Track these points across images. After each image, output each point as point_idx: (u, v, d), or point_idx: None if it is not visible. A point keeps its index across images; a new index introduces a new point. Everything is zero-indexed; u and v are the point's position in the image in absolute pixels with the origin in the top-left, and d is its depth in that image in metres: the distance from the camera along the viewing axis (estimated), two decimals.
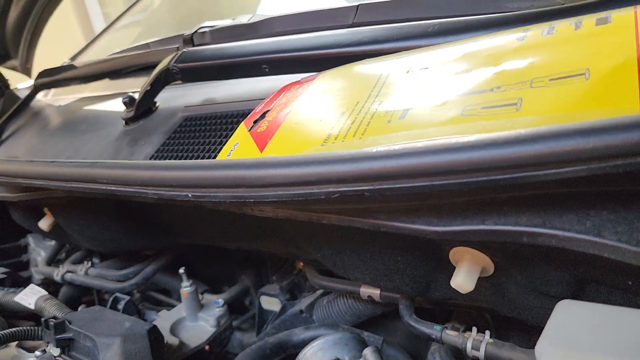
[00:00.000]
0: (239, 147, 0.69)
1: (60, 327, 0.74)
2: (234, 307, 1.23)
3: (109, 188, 0.72)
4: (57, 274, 1.24)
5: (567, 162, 0.41)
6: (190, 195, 0.62)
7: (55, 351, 0.73)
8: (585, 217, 0.46)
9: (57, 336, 0.73)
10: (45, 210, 1.17)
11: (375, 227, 0.56)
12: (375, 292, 0.85)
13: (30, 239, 1.49)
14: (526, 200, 0.49)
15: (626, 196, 0.45)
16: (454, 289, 0.65)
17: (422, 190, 0.48)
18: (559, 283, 0.53)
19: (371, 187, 0.49)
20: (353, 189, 0.50)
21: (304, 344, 0.86)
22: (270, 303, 1.12)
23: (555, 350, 0.41)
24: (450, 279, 0.59)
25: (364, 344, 0.85)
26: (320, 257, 0.74)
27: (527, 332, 0.78)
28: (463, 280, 0.58)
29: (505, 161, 0.43)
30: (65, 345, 0.74)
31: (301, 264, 1.03)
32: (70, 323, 0.75)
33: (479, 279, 0.60)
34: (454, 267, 0.61)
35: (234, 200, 0.59)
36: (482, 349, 0.66)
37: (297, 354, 0.85)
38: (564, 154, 0.41)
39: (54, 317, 0.76)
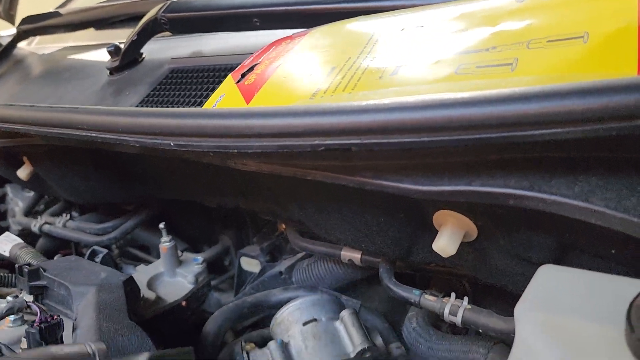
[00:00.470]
0: (225, 98, 0.67)
1: (34, 274, 0.72)
2: (214, 268, 1.22)
3: (89, 135, 0.70)
4: (34, 224, 1.22)
5: (560, 123, 0.40)
6: (172, 144, 0.60)
7: (29, 298, 0.72)
8: (574, 182, 0.45)
9: (31, 283, 0.72)
10: (24, 159, 1.14)
11: (361, 185, 0.55)
12: (355, 256, 0.84)
13: (9, 189, 1.46)
14: (515, 163, 0.48)
15: (616, 163, 0.45)
16: (435, 253, 0.64)
17: (410, 147, 0.47)
18: (542, 249, 0.53)
19: (359, 142, 0.48)
20: (340, 143, 0.49)
21: (282, 304, 0.86)
22: (250, 264, 1.12)
23: (534, 313, 0.41)
24: (432, 243, 0.59)
25: (341, 307, 0.84)
26: (302, 216, 0.73)
27: (505, 302, 0.78)
28: (445, 244, 0.57)
29: (498, 119, 0.42)
30: (39, 293, 0.73)
31: (283, 225, 1.02)
32: (44, 271, 0.73)
33: (462, 243, 0.60)
34: (437, 231, 0.60)
35: (218, 151, 0.57)
36: (460, 314, 0.66)
37: (274, 314, 0.85)
38: (558, 114, 0.40)
39: (28, 264, 0.74)
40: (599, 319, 0.38)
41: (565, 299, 0.41)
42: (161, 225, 0.95)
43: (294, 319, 0.80)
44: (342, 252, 0.86)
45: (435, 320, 0.89)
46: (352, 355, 0.73)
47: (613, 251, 0.49)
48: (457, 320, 0.67)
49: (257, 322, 1.02)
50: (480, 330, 0.66)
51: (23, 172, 1.13)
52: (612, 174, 0.44)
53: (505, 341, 0.76)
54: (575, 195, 0.44)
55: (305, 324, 0.78)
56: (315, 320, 0.78)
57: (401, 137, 0.46)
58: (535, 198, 0.45)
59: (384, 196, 0.60)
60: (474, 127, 0.43)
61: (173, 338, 0.87)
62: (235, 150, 0.55)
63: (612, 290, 0.41)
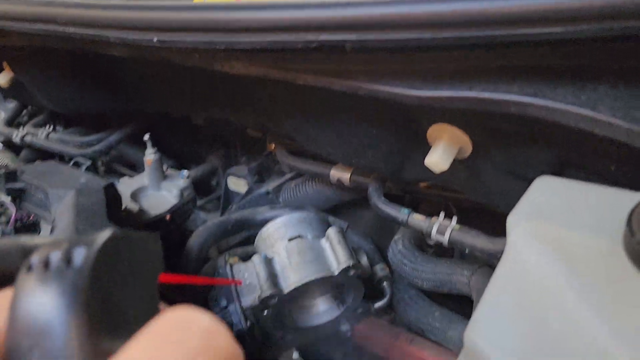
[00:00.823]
0: None
1: (12, 176, 0.70)
2: (200, 188, 1.20)
3: (67, 30, 0.65)
4: (16, 135, 1.19)
5: (576, 20, 0.37)
6: (155, 40, 0.56)
7: (6, 199, 0.70)
8: (581, 90, 0.42)
9: (8, 185, 0.70)
10: (4, 64, 1.08)
11: (354, 89, 0.52)
12: (344, 176, 0.83)
13: None
14: (519, 70, 0.45)
15: (626, 72, 0.42)
16: (427, 169, 0.62)
17: (409, 45, 0.43)
18: (539, 165, 0.51)
19: (354, 38, 0.45)
20: (334, 39, 0.45)
21: (267, 222, 0.85)
22: (237, 184, 1.10)
23: (528, 221, 0.39)
24: (424, 159, 0.57)
25: (328, 226, 0.83)
26: (293, 129, 0.71)
27: (492, 229, 0.77)
28: (438, 159, 0.55)
29: (505, 15, 0.39)
30: (17, 196, 0.71)
31: (272, 145, 1.00)
32: (22, 173, 0.71)
33: (455, 160, 0.57)
34: (430, 147, 0.58)
35: (204, 48, 0.54)
36: (447, 233, 0.65)
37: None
38: (574, 9, 0.37)
39: (5, 166, 0.71)
40: (595, 229, 0.36)
41: (561, 209, 0.39)
42: (146, 137, 0.92)
43: (279, 235, 0.79)
44: (332, 172, 0.84)
45: (420, 244, 0.89)
46: (336, 273, 0.73)
47: (612, 168, 0.47)
48: (444, 239, 0.66)
49: (241, 242, 1.02)
50: (467, 251, 0.66)
51: (3, 78, 1.08)
52: (622, 83, 0.42)
53: (490, 264, 0.76)
54: (581, 103, 0.42)
55: (290, 239, 0.77)
56: (300, 237, 0.77)
57: (399, 33, 0.43)
58: (539, 105, 0.43)
59: (378, 106, 0.57)
60: (477, 22, 0.40)
61: None
62: (223, 47, 0.51)
63: (610, 201, 0.39)
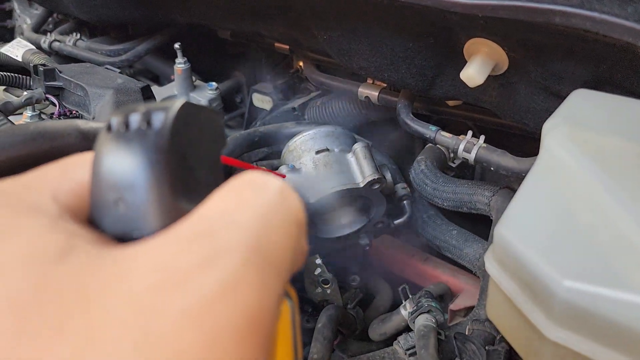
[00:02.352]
0: None
1: (50, 74, 0.71)
2: (225, 104, 1.21)
3: None
4: (44, 41, 1.19)
5: None
6: None
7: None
8: (628, 2, 0.42)
9: (47, 83, 0.71)
10: None
11: None
12: (373, 93, 0.83)
13: (16, 5, 1.40)
14: None
15: None
16: (458, 86, 0.63)
17: None
18: (574, 81, 0.52)
19: None
20: None
21: (294, 136, 0.86)
22: (262, 101, 1.11)
23: (564, 127, 0.40)
24: (458, 74, 0.57)
25: (354, 142, 0.85)
26: (325, 42, 0.71)
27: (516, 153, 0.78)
28: (474, 72, 0.56)
29: None
30: (55, 94, 0.73)
31: (299, 63, 1.00)
32: (60, 72, 0.72)
33: (489, 77, 0.58)
34: (465, 63, 0.58)
35: None
36: (474, 151, 0.67)
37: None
38: None
39: (43, 65, 0.73)
40: (630, 135, 0.38)
41: (596, 117, 0.41)
42: (176, 45, 0.92)
43: (307, 147, 0.81)
44: (360, 89, 0.85)
45: (442, 167, 0.90)
46: (361, 185, 0.75)
47: None
48: (471, 157, 0.67)
49: (264, 158, 1.04)
50: (492, 168, 0.67)
51: None
52: None
53: (511, 187, 0.78)
54: (627, 15, 0.42)
55: (317, 152, 0.78)
56: (327, 150, 0.79)
57: None
58: (584, 16, 0.43)
59: (416, 18, 0.57)
60: None
61: None
62: None
63: None
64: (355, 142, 0.84)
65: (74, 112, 0.60)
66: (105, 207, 0.24)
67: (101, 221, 0.24)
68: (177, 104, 0.25)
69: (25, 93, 0.69)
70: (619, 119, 0.40)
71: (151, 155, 0.23)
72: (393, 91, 0.83)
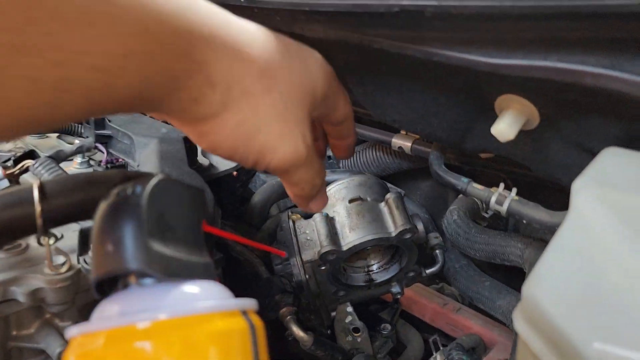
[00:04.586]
0: None
1: (100, 122, 0.76)
2: None
3: None
4: None
5: None
6: (242, 0, 0.60)
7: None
8: None
9: (97, 131, 0.76)
10: None
11: (428, 55, 0.54)
12: (406, 144, 0.85)
13: None
14: (597, 42, 0.46)
15: None
16: (490, 140, 0.64)
17: (487, 13, 0.45)
18: (607, 139, 0.52)
19: (435, 3, 0.47)
20: (415, 4, 0.48)
21: (329, 185, 0.88)
22: None
23: (594, 186, 0.41)
24: (489, 129, 0.58)
25: (387, 191, 0.86)
26: (361, 95, 0.73)
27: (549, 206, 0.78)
28: (505, 127, 0.57)
29: None
30: (104, 142, 0.77)
31: None
32: (109, 121, 0.77)
33: (521, 131, 0.59)
34: (496, 118, 0.59)
35: (288, 9, 0.57)
36: (506, 203, 0.67)
37: None
38: None
39: None
40: None
41: (628, 177, 0.41)
42: None
43: (340, 196, 0.83)
44: (393, 140, 0.87)
45: (475, 217, 0.91)
46: (393, 235, 0.76)
47: None
48: (503, 209, 0.68)
49: None
50: (524, 221, 0.67)
51: None
52: None
53: (544, 240, 0.77)
54: None
55: (350, 201, 0.80)
56: (360, 199, 0.81)
57: (480, 0, 0.45)
58: (615, 77, 0.44)
59: (448, 74, 0.59)
60: None
61: (223, 207, 0.92)
62: (307, 8, 0.54)
63: None
64: (388, 191, 0.86)
65: (120, 159, 0.63)
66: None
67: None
68: (155, 178, 0.37)
69: (76, 141, 0.74)
70: None
71: (131, 209, 0.35)
72: (426, 142, 0.85)
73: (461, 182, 0.72)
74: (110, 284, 0.37)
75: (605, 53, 0.45)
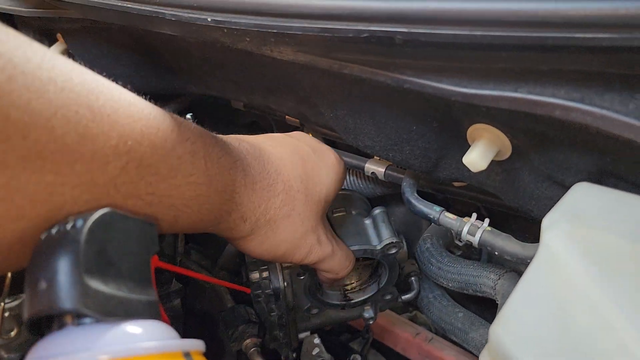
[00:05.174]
0: None
1: None
2: None
3: (124, 4, 0.68)
4: None
5: (632, 26, 0.37)
6: (209, 20, 0.58)
7: None
8: (629, 99, 0.42)
9: None
10: (58, 36, 1.12)
11: (399, 82, 0.52)
12: (379, 170, 0.83)
13: None
14: (568, 75, 0.45)
15: None
16: (462, 169, 0.63)
17: (457, 42, 0.44)
18: (578, 172, 0.51)
19: (405, 30, 0.45)
20: (385, 30, 0.46)
21: None
22: None
23: (564, 224, 0.39)
24: (462, 158, 0.57)
25: (370, 207, 0.84)
26: (332, 119, 0.72)
27: (521, 237, 0.77)
28: (477, 158, 0.55)
29: (559, 17, 0.39)
30: None
31: (310, 134, 1.01)
32: None
33: (492, 162, 0.58)
34: (468, 147, 0.58)
35: (256, 31, 0.55)
36: (478, 234, 0.66)
37: None
38: (630, 16, 0.37)
39: None
40: (633, 236, 0.37)
41: (598, 214, 0.40)
42: (188, 116, 0.94)
43: None
44: (367, 165, 0.85)
45: (448, 246, 0.89)
46: (378, 248, 0.72)
47: None
48: (475, 240, 0.66)
49: None
50: (497, 253, 0.66)
51: (56, 50, 1.12)
52: None
53: (517, 270, 0.76)
54: (628, 112, 0.42)
55: (334, 212, 0.78)
56: (344, 211, 0.78)
57: (450, 29, 0.43)
58: (585, 111, 0.43)
59: (420, 102, 0.58)
60: (530, 23, 0.40)
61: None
62: (275, 30, 0.53)
63: None
64: (371, 208, 0.83)
65: None
66: (36, 278, 0.33)
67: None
68: (98, 212, 0.35)
69: None
70: (620, 217, 0.39)
71: (69, 245, 0.32)
72: (400, 168, 0.83)
73: (433, 211, 0.70)
74: (47, 324, 0.34)
75: (576, 86, 0.44)
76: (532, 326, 0.35)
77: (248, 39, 0.62)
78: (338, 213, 0.77)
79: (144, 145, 0.41)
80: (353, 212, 0.78)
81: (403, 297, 0.85)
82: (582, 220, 0.39)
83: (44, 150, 0.34)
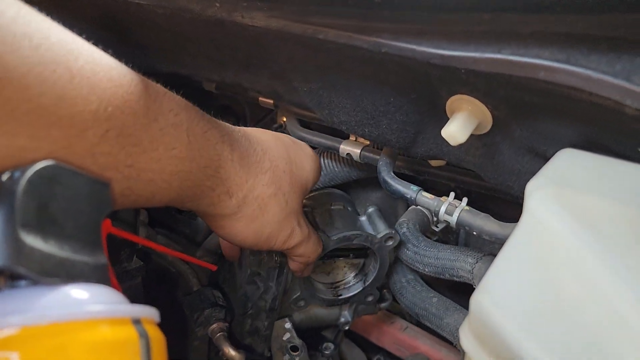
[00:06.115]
0: None
1: None
2: None
3: None
4: None
5: None
6: None
7: None
8: (616, 60, 0.40)
9: None
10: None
11: (377, 46, 0.50)
12: (355, 151, 0.81)
13: None
14: (552, 37, 0.42)
15: None
16: (440, 144, 0.60)
17: (438, 1, 0.41)
18: (561, 143, 0.49)
19: None
20: None
21: None
22: None
23: (548, 187, 0.37)
24: (440, 132, 0.55)
25: (352, 203, 0.82)
26: (306, 94, 0.69)
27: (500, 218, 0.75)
28: (456, 130, 0.53)
29: None
30: None
31: (283, 118, 0.98)
32: None
33: (472, 136, 0.55)
34: (447, 120, 0.56)
35: None
36: (456, 214, 0.63)
37: None
38: None
39: None
40: (619, 198, 0.34)
41: (584, 178, 0.37)
42: None
43: (322, 201, 0.78)
44: (341, 146, 0.83)
45: (425, 231, 0.87)
46: (378, 237, 0.73)
47: (639, 149, 0.44)
48: (452, 220, 0.64)
49: None
50: (475, 233, 0.64)
51: None
52: None
53: (495, 254, 0.74)
54: (615, 73, 0.40)
55: (332, 205, 0.76)
56: (343, 206, 0.77)
57: None
58: (570, 72, 0.41)
59: (398, 70, 0.55)
60: None
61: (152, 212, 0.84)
62: None
63: (637, 175, 0.37)
64: (352, 203, 0.82)
65: None
66: None
67: None
68: (40, 163, 0.31)
69: None
70: (607, 181, 0.37)
71: (4, 198, 0.29)
72: (376, 149, 0.80)
73: (410, 190, 0.68)
74: None
75: (561, 47, 0.42)
76: (517, 293, 0.33)
77: (218, 4, 0.59)
78: (337, 206, 0.77)
79: (125, 113, 0.38)
80: (349, 208, 0.78)
81: (381, 305, 0.84)
82: (568, 184, 0.37)
83: (17, 110, 0.31)
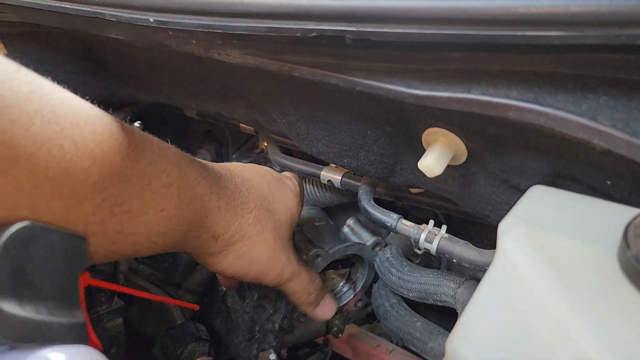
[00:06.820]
0: None
1: None
2: None
3: (62, 5, 0.64)
4: None
5: (581, 24, 0.36)
6: (152, 20, 0.55)
7: None
8: (582, 100, 0.41)
9: None
10: None
11: (351, 85, 0.50)
12: (335, 177, 0.81)
13: None
14: (520, 76, 0.44)
15: (630, 85, 0.41)
16: (418, 175, 0.61)
17: (409, 41, 0.42)
18: (533, 175, 0.50)
19: (354, 29, 0.44)
20: (334, 29, 0.44)
21: None
22: None
23: (521, 228, 0.38)
24: (417, 163, 0.55)
25: (326, 216, 0.83)
26: (285, 125, 0.69)
27: (480, 243, 0.76)
28: (432, 162, 0.54)
29: (509, 15, 0.38)
30: None
31: (264, 143, 0.98)
32: None
33: (448, 167, 0.56)
34: (424, 152, 0.57)
35: (201, 31, 0.52)
36: (436, 242, 0.64)
37: None
38: (580, 13, 0.36)
39: None
40: (589, 239, 0.35)
41: (555, 217, 0.38)
42: (136, 124, 0.90)
43: (307, 217, 0.80)
44: (322, 172, 0.83)
45: (407, 254, 0.87)
46: (368, 244, 0.78)
47: (609, 182, 0.46)
48: (432, 248, 0.65)
49: None
50: (455, 260, 0.64)
51: None
52: (625, 96, 0.41)
53: (477, 278, 0.74)
54: (581, 113, 0.41)
55: (316, 222, 0.78)
56: (325, 221, 0.79)
57: (401, 27, 0.42)
58: (538, 111, 0.42)
59: (374, 105, 0.56)
60: (480, 21, 0.39)
61: None
62: (220, 31, 0.50)
63: (606, 214, 0.38)
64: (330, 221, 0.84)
65: None
66: None
67: None
68: (16, 225, 0.30)
69: None
70: (577, 220, 0.38)
71: None
72: (357, 176, 0.81)
73: (390, 218, 0.68)
74: None
75: (529, 87, 0.43)
76: (489, 337, 0.33)
77: (194, 42, 0.59)
78: (320, 222, 0.79)
79: (121, 181, 0.38)
80: (331, 223, 0.80)
81: (367, 309, 0.86)
82: (538, 224, 0.38)
83: (23, 187, 0.31)
